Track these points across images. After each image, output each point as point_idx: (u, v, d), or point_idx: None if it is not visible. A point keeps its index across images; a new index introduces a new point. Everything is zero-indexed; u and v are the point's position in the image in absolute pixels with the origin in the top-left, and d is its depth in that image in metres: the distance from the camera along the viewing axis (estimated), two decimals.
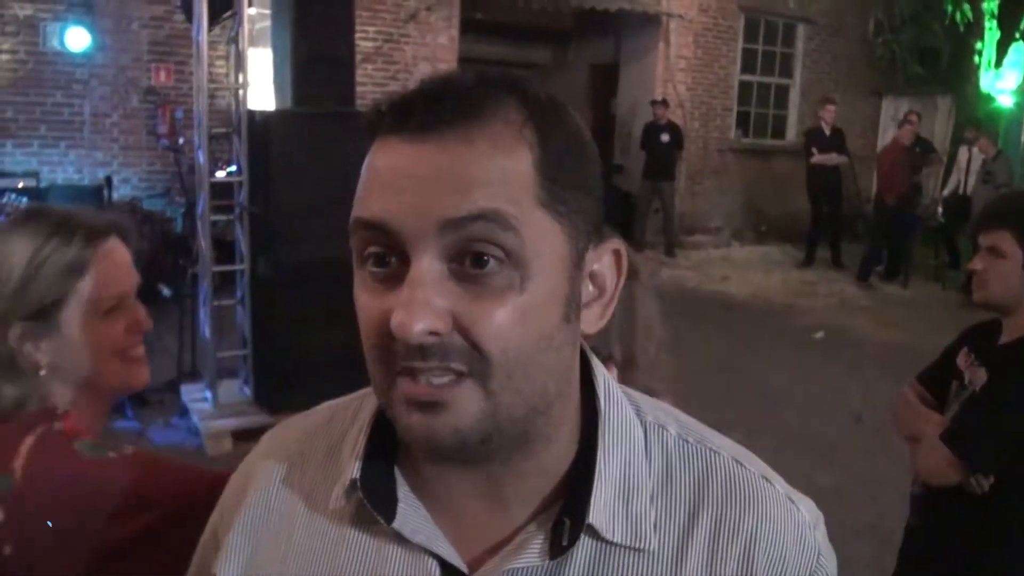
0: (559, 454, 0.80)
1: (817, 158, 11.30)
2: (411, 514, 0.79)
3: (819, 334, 8.30)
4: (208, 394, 5.49)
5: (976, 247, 2.27)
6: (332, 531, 0.82)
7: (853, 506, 4.52)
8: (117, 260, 1.36)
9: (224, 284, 5.72)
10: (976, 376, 2.23)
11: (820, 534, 0.83)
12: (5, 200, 7.05)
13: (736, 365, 7.09)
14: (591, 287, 0.78)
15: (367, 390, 0.85)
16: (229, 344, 5.71)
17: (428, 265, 0.69)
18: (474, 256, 0.69)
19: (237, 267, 5.55)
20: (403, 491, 0.80)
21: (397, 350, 0.70)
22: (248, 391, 5.59)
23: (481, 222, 0.68)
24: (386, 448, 0.82)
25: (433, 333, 0.68)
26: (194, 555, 0.95)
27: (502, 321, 0.69)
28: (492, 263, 0.69)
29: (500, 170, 0.69)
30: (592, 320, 0.78)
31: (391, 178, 0.70)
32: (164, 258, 8.54)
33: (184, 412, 5.51)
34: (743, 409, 5.83)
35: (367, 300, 0.72)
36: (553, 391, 0.75)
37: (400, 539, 0.78)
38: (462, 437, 0.71)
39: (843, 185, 11.74)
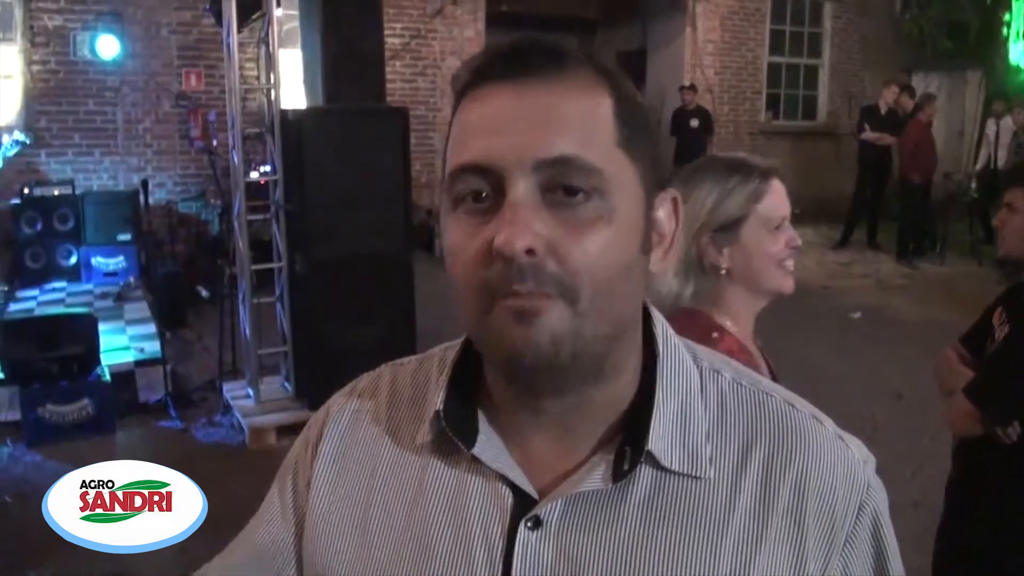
0: (623, 389, 0.85)
1: (868, 135, 11.16)
2: (489, 444, 0.85)
3: (856, 314, 8.23)
4: (250, 391, 5.57)
5: None
6: (416, 463, 0.88)
7: (896, 485, 4.47)
8: (781, 192, 1.76)
9: (262, 283, 5.77)
10: (1003, 332, 2.29)
11: (870, 470, 0.89)
12: None
13: (774, 347, 6.96)
14: (653, 232, 0.84)
15: (448, 343, 0.94)
16: (269, 341, 5.78)
17: (525, 191, 0.75)
18: (566, 187, 0.75)
19: (275, 265, 5.61)
20: (483, 424, 0.86)
21: (494, 278, 0.75)
22: (289, 387, 5.66)
23: (570, 164, 0.75)
24: (468, 389, 0.88)
25: (531, 252, 0.73)
26: (272, 487, 0.99)
27: (592, 248, 0.75)
28: (582, 195, 0.75)
29: (586, 111, 0.77)
30: (654, 262, 0.84)
31: (491, 121, 0.77)
32: (201, 260, 8.65)
33: (227, 410, 5.59)
34: None
35: (462, 238, 0.78)
36: (628, 318, 0.82)
37: (478, 468, 0.85)
38: (558, 347, 0.75)
39: (892, 166, 11.62)
